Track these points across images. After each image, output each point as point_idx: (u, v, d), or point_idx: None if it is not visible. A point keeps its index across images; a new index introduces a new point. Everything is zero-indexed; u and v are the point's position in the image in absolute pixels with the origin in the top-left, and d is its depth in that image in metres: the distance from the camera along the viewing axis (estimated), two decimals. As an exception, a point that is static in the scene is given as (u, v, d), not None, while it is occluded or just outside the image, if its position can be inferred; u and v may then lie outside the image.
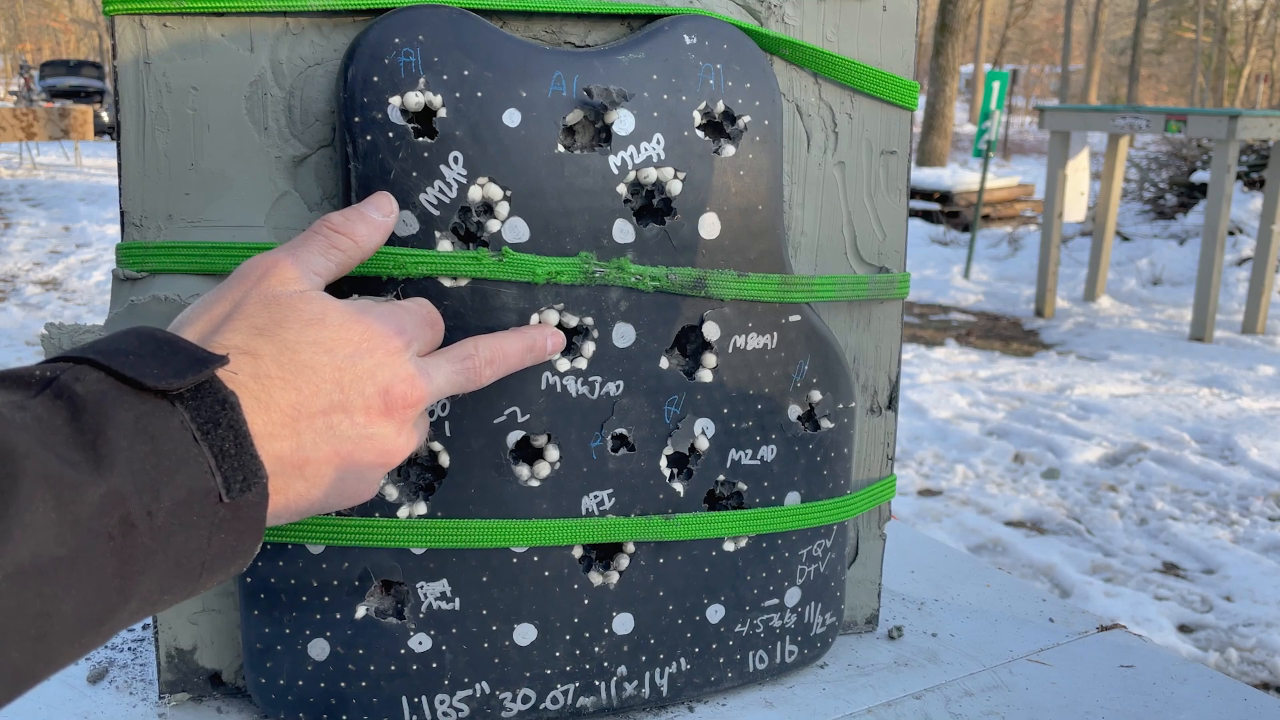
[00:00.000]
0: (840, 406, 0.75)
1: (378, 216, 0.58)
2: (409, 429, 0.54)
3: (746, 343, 0.71)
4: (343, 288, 0.63)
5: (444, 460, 0.66)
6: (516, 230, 0.64)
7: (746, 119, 0.69)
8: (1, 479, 0.37)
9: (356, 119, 0.62)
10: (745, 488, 0.73)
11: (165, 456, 0.42)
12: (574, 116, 0.65)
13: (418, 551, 0.66)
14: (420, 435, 0.56)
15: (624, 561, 0.70)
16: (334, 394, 0.50)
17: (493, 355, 0.60)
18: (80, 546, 0.39)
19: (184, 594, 0.45)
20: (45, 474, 0.39)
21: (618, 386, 0.68)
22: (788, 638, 0.77)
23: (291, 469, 0.49)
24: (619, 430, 0.68)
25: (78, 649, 0.40)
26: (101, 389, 0.42)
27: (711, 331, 0.69)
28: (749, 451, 0.72)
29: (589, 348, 0.67)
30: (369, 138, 0.62)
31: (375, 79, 0.61)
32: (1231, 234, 7.42)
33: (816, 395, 0.74)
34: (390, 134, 0.62)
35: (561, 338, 0.64)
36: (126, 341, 0.45)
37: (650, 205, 0.68)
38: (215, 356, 0.46)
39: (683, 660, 0.73)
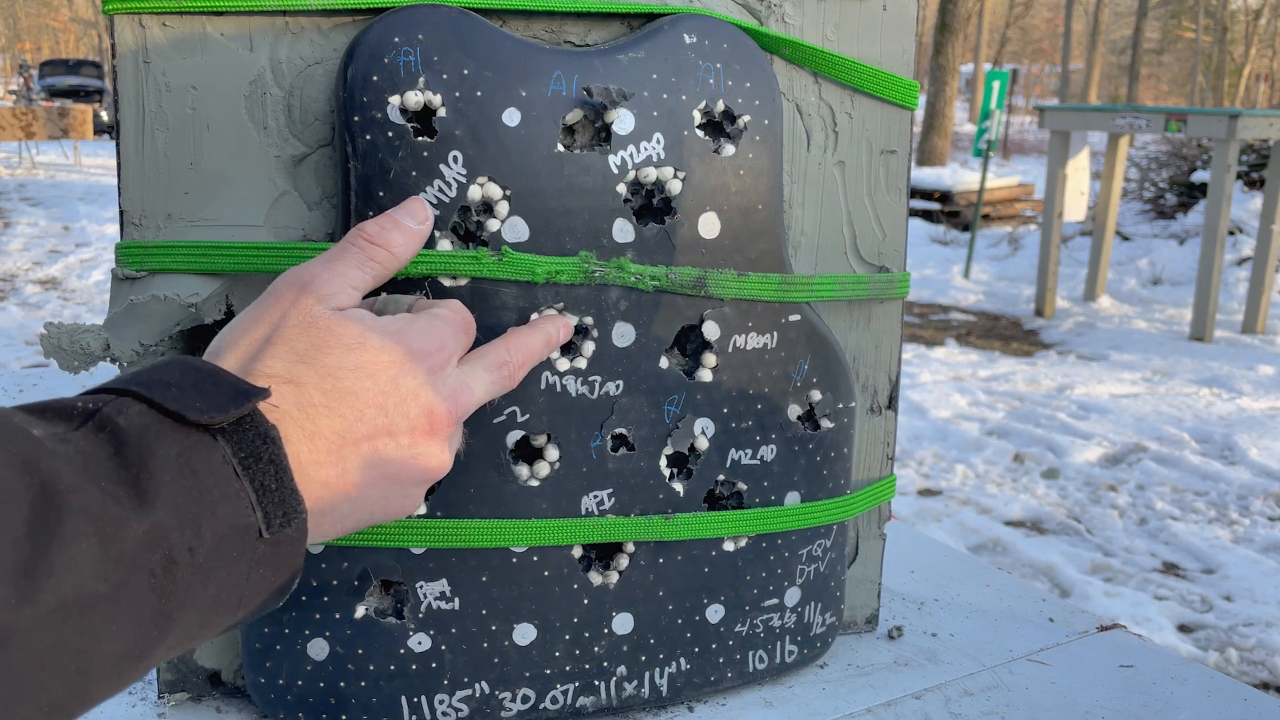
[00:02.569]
0: (840, 406, 0.75)
1: (413, 224, 0.58)
2: (450, 443, 0.54)
3: (746, 342, 0.71)
4: (342, 287, 0.63)
5: (443, 460, 0.65)
6: (516, 230, 0.64)
7: (746, 118, 0.69)
8: (46, 513, 0.37)
9: (356, 118, 0.61)
10: (745, 487, 0.73)
11: (207, 492, 0.42)
12: (574, 116, 0.65)
13: (417, 551, 0.66)
14: (456, 444, 0.57)
15: (624, 561, 0.70)
16: (378, 418, 0.49)
17: (523, 357, 0.60)
18: (122, 583, 0.39)
19: (220, 629, 0.45)
20: (89, 509, 0.38)
21: (617, 386, 0.68)
22: (787, 638, 0.77)
23: (338, 494, 0.49)
24: (619, 430, 0.68)
25: (115, 685, 0.40)
26: (144, 422, 0.42)
27: (711, 331, 0.69)
28: (749, 451, 0.72)
29: (589, 347, 0.67)
30: (368, 137, 0.61)
31: (375, 78, 0.61)
32: (1231, 234, 7.42)
33: (816, 395, 0.74)
34: (390, 133, 0.62)
35: (569, 325, 0.65)
36: (168, 373, 0.45)
37: (650, 205, 0.67)
38: (257, 390, 0.45)
39: (682, 660, 0.73)
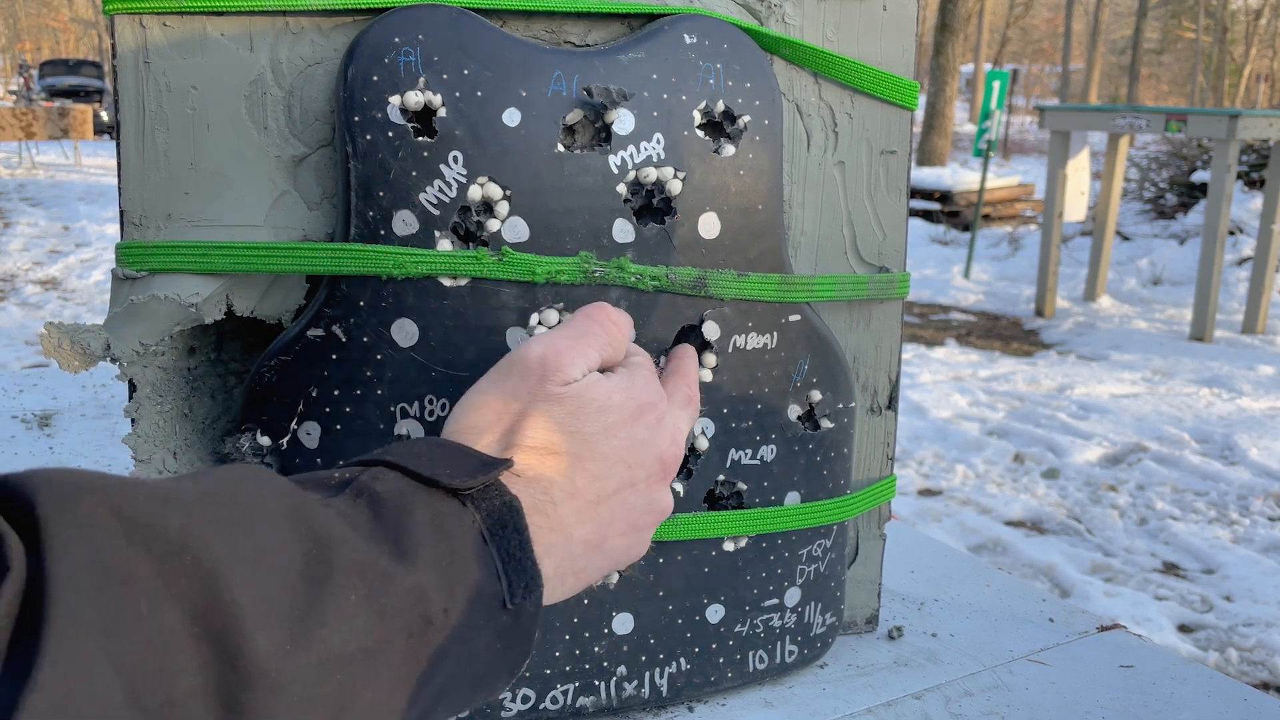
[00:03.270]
0: (840, 406, 0.75)
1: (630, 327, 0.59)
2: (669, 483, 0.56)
3: (746, 342, 0.71)
4: (340, 288, 0.63)
5: (444, 460, 0.65)
6: (516, 230, 0.64)
7: (746, 118, 0.69)
8: (318, 564, 0.38)
9: (356, 118, 0.62)
10: (745, 487, 0.73)
11: (459, 555, 0.43)
12: (574, 116, 0.65)
13: (417, 551, 0.66)
14: None
15: (624, 561, 0.70)
16: (624, 473, 0.52)
17: (695, 387, 0.62)
18: (384, 640, 0.39)
19: (451, 709, 0.45)
20: (358, 562, 0.39)
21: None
22: (788, 638, 0.77)
23: (593, 549, 0.51)
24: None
25: None
26: (400, 487, 0.43)
27: (711, 331, 0.69)
28: (749, 451, 0.72)
29: (589, 347, 0.67)
30: (369, 137, 0.61)
31: (375, 78, 0.61)
32: (1232, 234, 7.42)
33: (816, 395, 0.74)
34: (390, 133, 0.62)
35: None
36: (417, 447, 0.46)
37: (650, 205, 0.68)
38: (500, 460, 0.47)
39: (682, 660, 0.73)
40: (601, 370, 0.55)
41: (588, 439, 0.51)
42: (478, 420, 0.51)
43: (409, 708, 0.41)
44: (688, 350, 0.66)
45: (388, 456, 0.45)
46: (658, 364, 0.65)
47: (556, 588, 0.49)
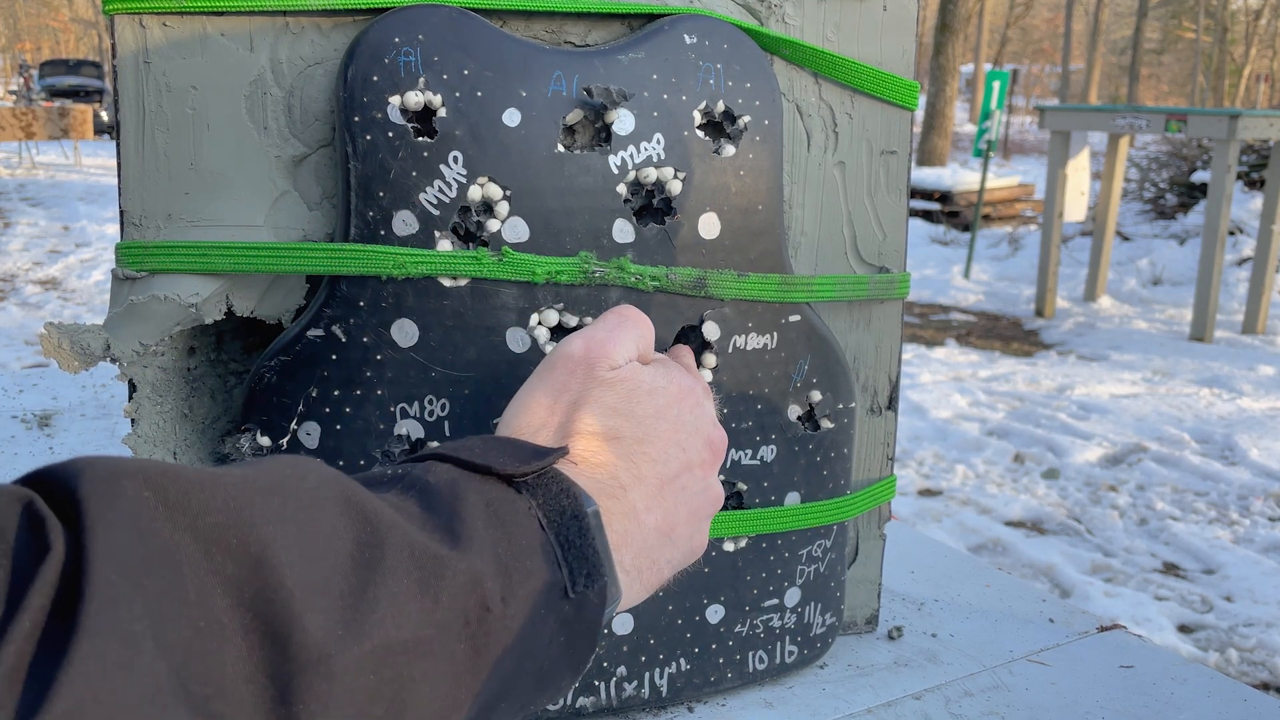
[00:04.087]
0: (840, 406, 0.75)
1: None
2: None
3: (746, 343, 0.70)
4: (340, 288, 0.63)
5: (444, 460, 0.65)
6: (516, 230, 0.64)
7: (746, 119, 0.68)
8: (369, 547, 0.36)
9: (356, 118, 0.61)
10: (745, 488, 0.73)
11: (516, 541, 0.41)
12: (574, 116, 0.65)
13: (417, 551, 0.66)
14: None
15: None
16: (679, 455, 0.52)
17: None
18: (441, 627, 0.37)
19: (514, 708, 0.43)
20: (411, 546, 0.37)
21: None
22: (787, 638, 0.77)
23: (664, 537, 0.50)
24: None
25: None
26: (452, 476, 0.42)
27: (711, 331, 0.69)
28: (749, 451, 0.72)
29: (589, 348, 0.67)
30: (369, 137, 0.61)
31: (375, 78, 0.61)
32: (1232, 234, 7.42)
33: (816, 395, 0.74)
34: (390, 133, 0.62)
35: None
36: (470, 442, 0.46)
37: (650, 205, 0.67)
38: (555, 448, 0.46)
39: (682, 660, 0.73)
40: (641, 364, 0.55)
41: (643, 421, 0.50)
42: (531, 420, 0.50)
43: (471, 703, 0.39)
44: (685, 349, 0.66)
45: (440, 451, 0.44)
46: None
47: (635, 581, 0.48)
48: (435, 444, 0.49)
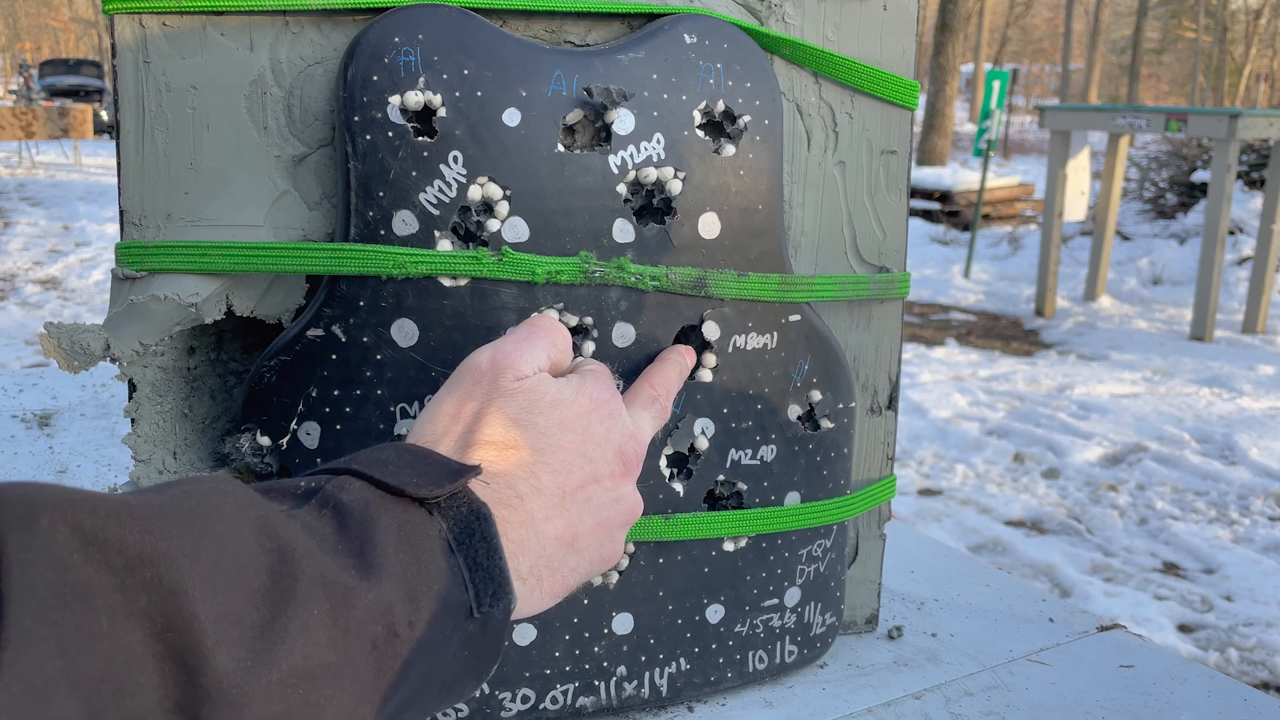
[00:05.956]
0: (840, 406, 0.75)
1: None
2: (635, 481, 0.56)
3: (746, 342, 0.70)
4: (340, 287, 0.63)
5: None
6: (516, 230, 0.64)
7: (747, 118, 0.68)
8: (281, 577, 0.37)
9: (356, 118, 0.61)
10: (745, 487, 0.73)
11: (424, 566, 0.43)
12: (574, 116, 0.65)
13: (417, 551, 0.66)
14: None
15: (624, 561, 0.70)
16: (585, 466, 0.52)
17: (667, 390, 0.63)
18: (348, 654, 0.38)
19: (418, 715, 0.44)
20: (322, 576, 0.38)
21: (618, 386, 0.68)
22: (787, 638, 0.77)
23: (566, 546, 0.51)
24: (619, 430, 0.68)
25: None
26: (365, 497, 0.43)
27: (711, 331, 0.69)
28: (749, 451, 0.72)
29: (589, 347, 0.67)
30: (369, 137, 0.61)
31: (375, 78, 0.61)
32: (1232, 233, 7.42)
33: (816, 395, 0.74)
34: (390, 133, 0.62)
35: (691, 350, 0.68)
36: (384, 454, 0.46)
37: (650, 205, 0.67)
38: (469, 467, 0.47)
39: (682, 660, 0.73)
40: (552, 375, 0.55)
41: (545, 432, 0.51)
42: (435, 428, 0.51)
43: (375, 717, 0.40)
44: (672, 355, 0.66)
45: (354, 465, 0.45)
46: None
47: (534, 589, 0.49)
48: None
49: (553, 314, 0.65)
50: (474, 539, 0.45)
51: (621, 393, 0.67)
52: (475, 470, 0.47)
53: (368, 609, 0.39)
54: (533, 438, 0.51)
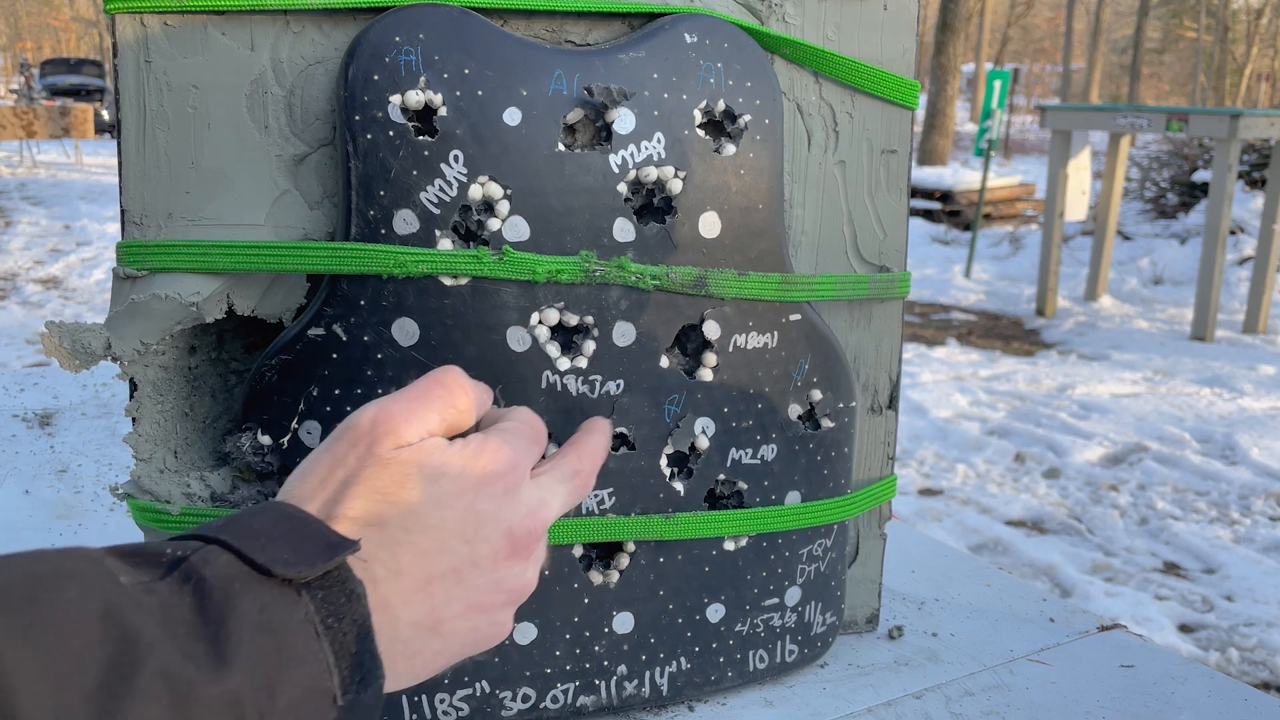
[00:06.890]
0: (841, 406, 0.75)
1: (484, 394, 0.56)
2: (534, 559, 0.53)
3: (747, 342, 0.71)
4: (341, 287, 0.63)
5: (444, 459, 0.65)
6: (517, 229, 0.64)
7: (747, 118, 0.69)
8: (121, 667, 0.35)
9: (357, 117, 0.62)
10: (745, 487, 0.73)
11: (285, 652, 0.40)
12: (574, 115, 0.65)
13: (418, 550, 0.66)
14: (541, 559, 0.54)
15: (624, 560, 0.70)
16: (460, 549, 0.48)
17: (593, 463, 0.58)
18: None
19: None
20: (165, 669, 0.36)
21: (618, 385, 0.68)
22: (788, 637, 0.77)
23: (427, 631, 0.48)
24: (619, 429, 0.68)
25: None
26: (229, 574, 0.41)
27: (712, 330, 0.69)
28: (749, 451, 0.72)
29: (589, 347, 0.67)
30: (369, 136, 0.62)
31: (376, 77, 0.61)
32: (1233, 233, 7.42)
33: (817, 394, 0.74)
34: (391, 132, 0.62)
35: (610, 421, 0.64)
36: (261, 521, 0.44)
37: (651, 204, 0.68)
38: (347, 543, 0.44)
39: (683, 659, 0.73)
40: (452, 437, 0.51)
41: (415, 510, 0.47)
42: (304, 489, 0.48)
43: None
44: (599, 424, 0.61)
45: (224, 534, 0.42)
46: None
47: (389, 672, 0.46)
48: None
49: (553, 313, 0.65)
50: (343, 623, 0.42)
51: (621, 393, 0.67)
52: (354, 546, 0.44)
53: (213, 703, 0.37)
54: (401, 515, 0.47)
